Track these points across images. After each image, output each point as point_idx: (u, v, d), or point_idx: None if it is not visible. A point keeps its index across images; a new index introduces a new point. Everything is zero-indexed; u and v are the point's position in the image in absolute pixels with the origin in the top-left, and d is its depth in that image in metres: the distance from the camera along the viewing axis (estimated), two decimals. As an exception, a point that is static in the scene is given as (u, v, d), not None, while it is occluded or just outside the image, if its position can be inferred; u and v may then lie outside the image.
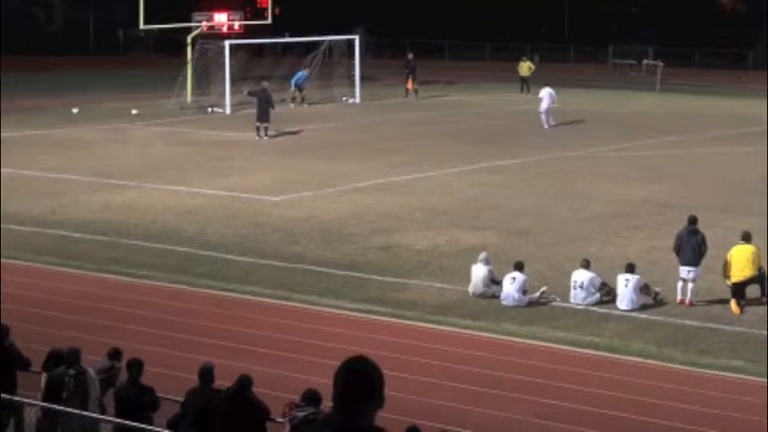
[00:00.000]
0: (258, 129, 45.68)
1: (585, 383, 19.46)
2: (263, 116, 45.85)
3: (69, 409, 14.72)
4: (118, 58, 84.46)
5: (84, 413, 14.86)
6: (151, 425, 14.75)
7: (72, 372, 15.24)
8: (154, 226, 30.29)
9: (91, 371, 15.51)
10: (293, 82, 56.08)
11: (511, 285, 23.42)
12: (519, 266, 23.76)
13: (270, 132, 45.73)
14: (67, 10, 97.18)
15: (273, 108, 46.77)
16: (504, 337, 21.88)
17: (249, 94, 49.12)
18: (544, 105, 49.40)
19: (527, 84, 62.12)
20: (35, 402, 15.24)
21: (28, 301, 23.23)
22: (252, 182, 36.29)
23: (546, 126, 48.96)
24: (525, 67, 62.91)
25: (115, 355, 16.43)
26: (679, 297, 23.76)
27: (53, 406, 14.85)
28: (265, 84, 48.10)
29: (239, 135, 46.49)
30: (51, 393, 15.34)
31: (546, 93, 49.69)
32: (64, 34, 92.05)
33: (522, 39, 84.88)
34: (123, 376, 15.89)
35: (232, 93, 53.52)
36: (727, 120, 52.74)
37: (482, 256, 24.57)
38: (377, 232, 29.60)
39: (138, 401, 15.06)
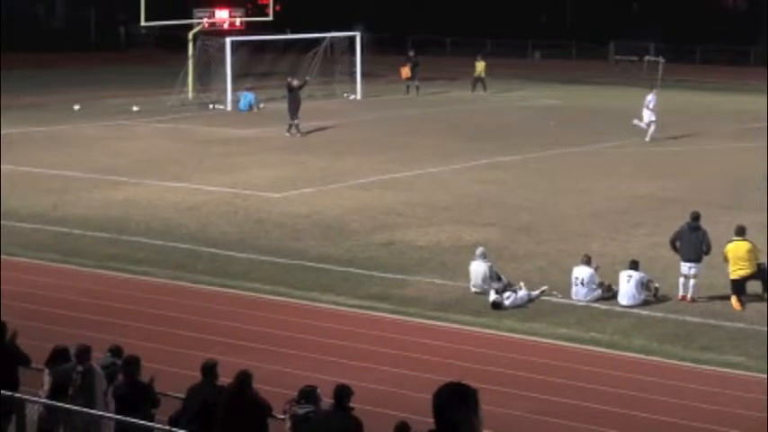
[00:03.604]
0: (290, 126, 45.41)
1: (586, 380, 19.45)
2: (289, 112, 45.49)
3: (70, 407, 14.70)
4: (119, 54, 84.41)
5: (90, 411, 14.84)
6: (152, 421, 14.73)
7: (80, 369, 15.23)
8: (155, 222, 30.28)
9: (98, 368, 15.50)
10: (243, 106, 53.53)
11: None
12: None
13: (292, 130, 45.30)
14: (69, 7, 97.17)
15: (296, 104, 45.91)
16: (505, 333, 21.87)
17: (300, 86, 47.34)
18: (651, 115, 44.89)
19: (482, 83, 61.65)
20: (36, 399, 15.22)
21: (28, 298, 23.22)
22: (253, 178, 36.28)
23: (648, 138, 44.57)
24: (480, 67, 62.12)
25: (117, 351, 16.41)
26: (681, 293, 23.72)
27: (54, 403, 14.83)
28: (298, 80, 47.51)
29: (240, 132, 46.51)
30: (57, 391, 15.33)
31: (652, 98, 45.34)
32: (65, 31, 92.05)
33: (523, 35, 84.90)
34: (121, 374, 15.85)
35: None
36: (729, 116, 52.70)
37: (479, 251, 24.50)
38: (378, 229, 29.59)
39: (136, 399, 15.03)
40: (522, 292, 23.40)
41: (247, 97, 54.09)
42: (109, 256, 27.00)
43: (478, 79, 61.72)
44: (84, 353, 15.46)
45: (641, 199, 33.45)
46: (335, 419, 13.82)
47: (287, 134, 45.13)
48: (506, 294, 23.23)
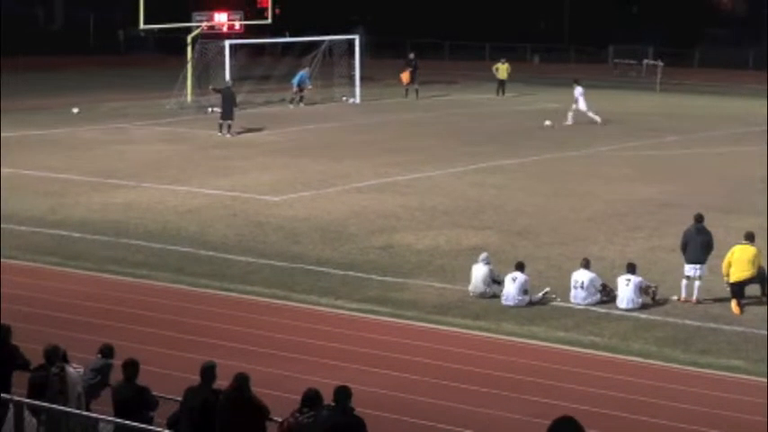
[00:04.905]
0: (221, 126, 46.19)
1: (585, 383, 19.43)
2: (228, 114, 46.43)
3: (69, 409, 14.69)
4: (118, 57, 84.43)
5: (85, 413, 14.83)
6: (151, 424, 14.71)
7: (55, 370, 15.18)
8: (154, 226, 30.27)
9: (71, 369, 15.41)
10: (295, 81, 56.10)
11: (512, 285, 23.39)
12: (520, 267, 23.72)
13: (235, 129, 46.36)
14: (68, 10, 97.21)
15: (236, 106, 47.48)
16: (504, 336, 21.85)
17: (214, 90, 49.17)
18: (583, 105, 50.91)
19: (503, 86, 61.81)
20: (33, 401, 15.19)
21: (27, 301, 23.20)
22: (252, 182, 36.28)
23: (570, 122, 50.16)
24: (503, 70, 62.24)
25: (108, 352, 16.34)
26: (683, 296, 23.71)
27: (51, 405, 14.81)
28: (230, 82, 49.29)
29: (239, 135, 46.49)
30: (34, 393, 15.25)
31: (579, 91, 51.24)
32: (64, 34, 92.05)
33: (521, 39, 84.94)
34: (119, 376, 15.79)
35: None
36: (728, 119, 52.73)
37: (483, 256, 24.55)
38: (377, 232, 29.59)
39: (136, 402, 15.01)
40: (524, 297, 23.39)
41: (302, 75, 55.33)
42: (108, 259, 26.99)
43: (502, 83, 61.93)
44: (55, 353, 15.36)
45: (640, 202, 33.45)
46: (338, 417, 13.76)
47: (218, 134, 45.93)
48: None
